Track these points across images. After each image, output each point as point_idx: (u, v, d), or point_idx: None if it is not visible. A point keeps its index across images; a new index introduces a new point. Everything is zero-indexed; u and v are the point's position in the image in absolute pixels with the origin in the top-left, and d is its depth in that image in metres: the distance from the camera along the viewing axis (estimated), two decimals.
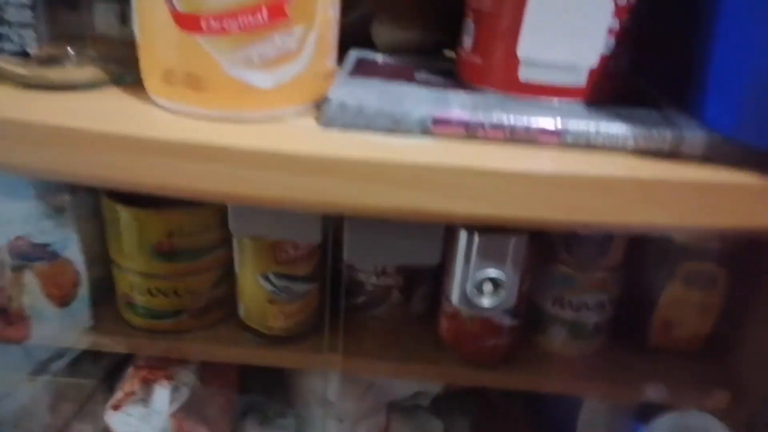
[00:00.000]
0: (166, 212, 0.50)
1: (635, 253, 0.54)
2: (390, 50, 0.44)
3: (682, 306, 0.55)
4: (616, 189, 0.32)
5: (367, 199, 0.32)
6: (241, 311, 0.55)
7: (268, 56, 0.32)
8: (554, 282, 0.54)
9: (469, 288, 0.36)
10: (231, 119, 0.34)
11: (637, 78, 0.40)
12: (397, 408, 0.67)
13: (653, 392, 0.57)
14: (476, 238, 0.35)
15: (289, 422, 0.64)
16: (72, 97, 0.36)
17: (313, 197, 0.33)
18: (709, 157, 0.34)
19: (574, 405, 0.67)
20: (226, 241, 0.53)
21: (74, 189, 0.51)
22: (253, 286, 0.52)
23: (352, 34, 0.41)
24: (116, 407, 0.55)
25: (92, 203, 0.52)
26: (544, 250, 0.53)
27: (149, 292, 0.53)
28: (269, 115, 0.34)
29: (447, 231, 0.37)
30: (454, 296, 0.38)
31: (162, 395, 0.54)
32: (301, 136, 0.33)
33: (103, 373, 0.60)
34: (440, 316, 0.56)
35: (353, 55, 0.42)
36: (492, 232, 0.36)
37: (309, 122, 0.35)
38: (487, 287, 0.37)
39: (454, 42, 0.40)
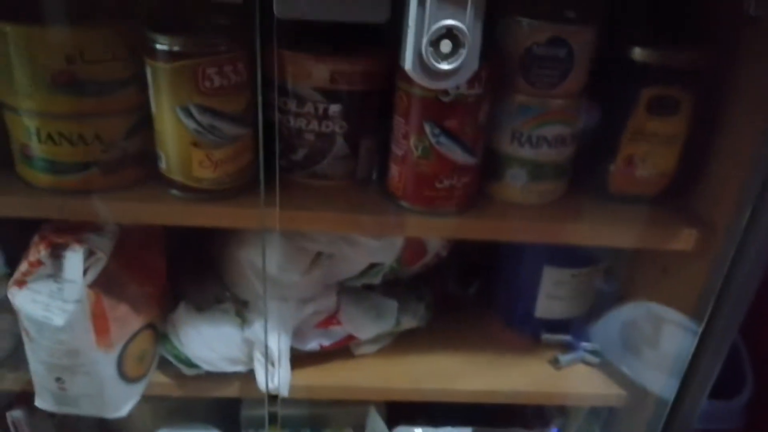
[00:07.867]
0: (62, 30, 0.42)
1: (596, 79, 0.50)
2: None
3: (646, 137, 0.51)
4: None
5: None
6: (162, 162, 0.48)
7: None
8: (511, 114, 0.50)
9: (425, 44, 0.31)
10: None
11: None
12: (348, 290, 0.62)
13: (618, 235, 0.54)
14: None
15: (228, 307, 0.57)
16: None
17: None
18: None
19: (532, 284, 0.63)
20: (139, 76, 0.46)
21: None
22: (172, 123, 0.45)
23: None
24: (21, 283, 0.47)
25: None
26: (502, 78, 0.48)
27: (50, 137, 0.45)
28: None
29: None
30: (408, 60, 0.32)
31: (74, 261, 0.46)
32: None
33: None
34: (389, 166, 0.51)
35: None
36: None
37: None
38: (446, 46, 0.31)
39: None
